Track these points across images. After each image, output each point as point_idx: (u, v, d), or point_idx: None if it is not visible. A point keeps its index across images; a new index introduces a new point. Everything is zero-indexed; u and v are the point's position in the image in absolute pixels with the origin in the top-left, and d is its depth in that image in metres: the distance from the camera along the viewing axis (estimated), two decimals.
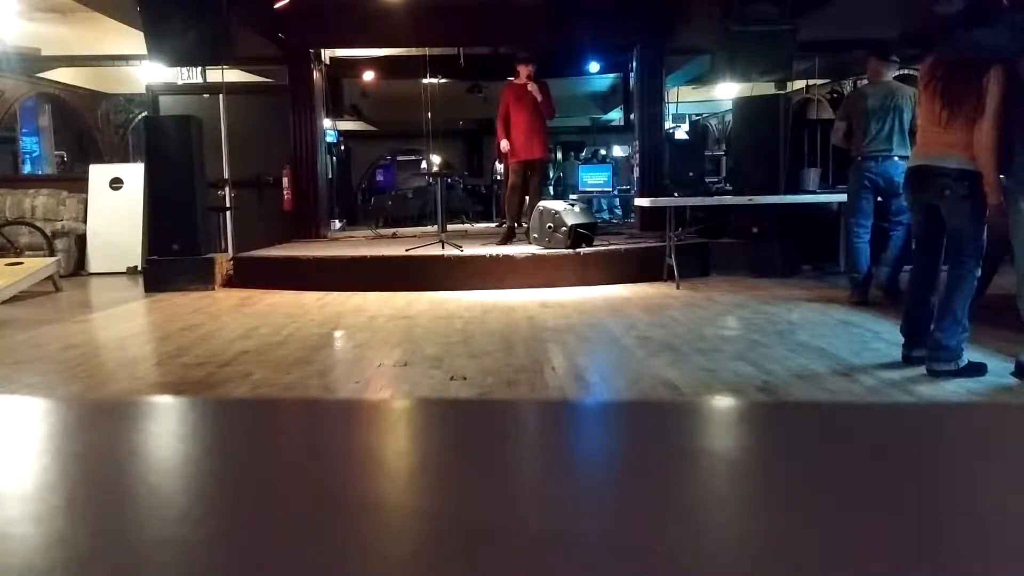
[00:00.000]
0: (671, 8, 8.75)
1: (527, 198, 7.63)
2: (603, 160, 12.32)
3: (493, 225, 11.00)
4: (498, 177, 12.35)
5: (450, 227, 8.99)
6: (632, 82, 10.01)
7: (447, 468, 0.51)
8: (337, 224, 10.88)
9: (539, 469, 0.53)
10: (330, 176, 10.41)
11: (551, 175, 12.98)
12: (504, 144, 7.48)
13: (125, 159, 10.84)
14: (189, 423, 0.63)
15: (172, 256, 7.18)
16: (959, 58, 3.52)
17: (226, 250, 8.22)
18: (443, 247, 7.23)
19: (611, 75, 11.91)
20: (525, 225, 7.63)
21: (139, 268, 8.31)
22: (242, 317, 5.69)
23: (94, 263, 8.93)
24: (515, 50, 8.40)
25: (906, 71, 9.10)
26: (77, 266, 8.92)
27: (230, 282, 7.33)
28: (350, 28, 8.95)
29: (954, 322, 3.48)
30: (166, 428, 0.62)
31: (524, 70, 7.46)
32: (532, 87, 7.40)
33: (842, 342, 4.33)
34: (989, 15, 3.50)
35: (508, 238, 7.64)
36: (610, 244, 7.39)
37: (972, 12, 3.55)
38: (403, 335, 4.87)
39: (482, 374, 3.79)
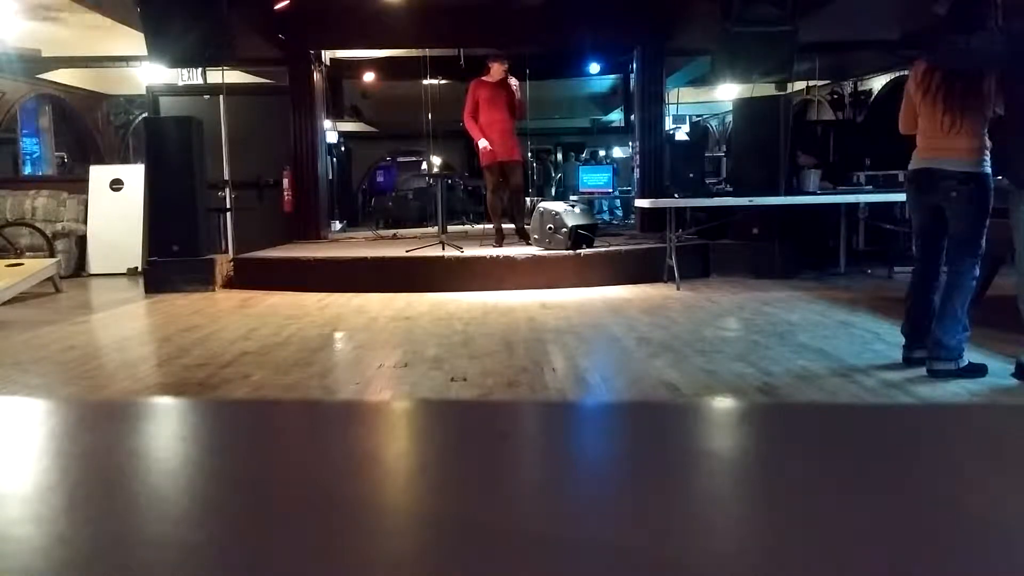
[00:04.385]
0: (671, 9, 8.75)
1: (514, 198, 7.57)
2: (604, 161, 12.32)
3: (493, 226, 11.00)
4: None
5: (450, 228, 8.98)
6: (632, 83, 10.01)
7: (447, 469, 0.52)
8: (337, 225, 10.88)
9: (539, 470, 0.53)
10: (330, 177, 10.40)
11: (552, 175, 12.97)
12: (484, 143, 7.17)
13: (125, 160, 10.85)
14: (189, 424, 0.63)
15: (172, 257, 7.18)
16: (956, 66, 3.52)
17: (226, 251, 8.22)
18: (443, 248, 7.23)
19: (611, 76, 11.90)
20: (512, 226, 7.59)
21: (139, 269, 8.31)
22: (242, 318, 5.69)
23: (94, 264, 8.93)
24: (504, 50, 8.26)
25: (904, 73, 9.11)
26: (77, 267, 8.92)
27: (230, 283, 7.33)
28: (350, 29, 8.95)
29: (954, 321, 3.48)
30: (166, 429, 0.62)
31: (500, 67, 7.22)
32: (515, 83, 7.26)
33: (842, 343, 4.34)
34: (983, 21, 3.49)
35: (500, 239, 7.54)
36: (610, 245, 7.39)
37: (967, 17, 3.54)
38: (403, 336, 4.87)
39: (482, 375, 3.79)
